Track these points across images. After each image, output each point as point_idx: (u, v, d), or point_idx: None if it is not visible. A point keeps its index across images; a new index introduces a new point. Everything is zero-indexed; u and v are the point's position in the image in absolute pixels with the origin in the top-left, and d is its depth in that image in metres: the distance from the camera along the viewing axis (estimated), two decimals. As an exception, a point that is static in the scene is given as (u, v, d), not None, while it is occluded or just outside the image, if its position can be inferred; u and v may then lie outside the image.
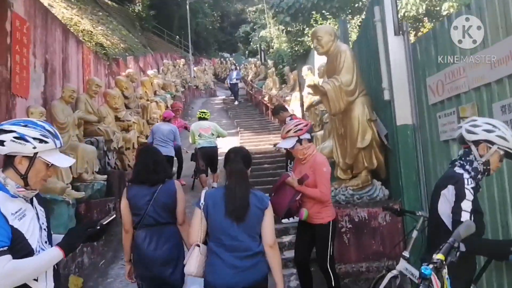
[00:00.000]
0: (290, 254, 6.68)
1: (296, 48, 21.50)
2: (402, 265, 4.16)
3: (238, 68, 28.05)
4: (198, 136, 9.55)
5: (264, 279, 3.16)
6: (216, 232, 3.11)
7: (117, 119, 10.49)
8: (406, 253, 4.16)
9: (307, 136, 4.59)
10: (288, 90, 17.48)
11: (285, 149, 7.66)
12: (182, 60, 27.13)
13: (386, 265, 5.02)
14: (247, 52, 40.44)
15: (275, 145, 8.24)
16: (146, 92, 14.23)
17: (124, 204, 3.84)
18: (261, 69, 24.10)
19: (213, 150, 9.58)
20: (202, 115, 10.03)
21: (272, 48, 25.54)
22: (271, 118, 18.37)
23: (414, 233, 4.16)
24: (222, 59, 40.26)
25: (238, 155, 3.35)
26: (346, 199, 5.40)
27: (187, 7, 30.34)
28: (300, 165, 4.58)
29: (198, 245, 3.14)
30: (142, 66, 17.14)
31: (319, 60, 14.38)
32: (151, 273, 3.72)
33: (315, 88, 5.34)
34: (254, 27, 36.83)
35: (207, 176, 9.72)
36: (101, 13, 21.09)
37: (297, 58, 21.38)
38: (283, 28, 23.30)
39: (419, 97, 5.00)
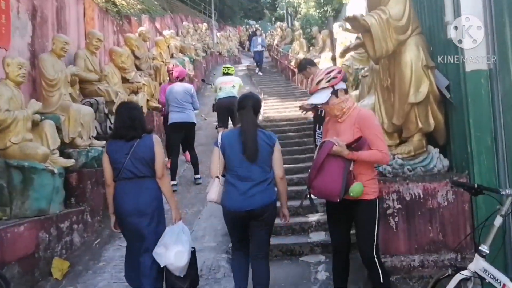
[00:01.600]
0: (317, 237, 5.51)
1: (326, 8, 19.99)
2: (479, 264, 2.95)
3: (262, 33, 26.06)
4: (219, 89, 9.45)
5: (271, 203, 3.71)
6: (232, 166, 3.67)
7: (125, 80, 9.41)
8: (484, 248, 2.94)
9: (343, 85, 3.43)
10: (317, 52, 16.04)
11: (315, 108, 6.43)
12: (205, 24, 25.71)
13: (446, 258, 3.81)
14: (273, 18, 38.89)
15: (301, 107, 6.98)
16: (161, 53, 13.04)
17: (105, 158, 3.96)
18: (287, 33, 22.57)
19: (231, 100, 8.91)
20: (226, 70, 9.99)
21: (300, 14, 23.98)
22: (298, 83, 17.05)
23: (498, 220, 2.92)
24: (247, 27, 38.78)
25: (249, 103, 3.83)
26: (393, 171, 4.14)
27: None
28: (335, 125, 3.44)
29: (218, 177, 3.73)
30: (159, 27, 15.88)
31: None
32: (128, 223, 3.87)
33: (355, 22, 4.02)
34: None
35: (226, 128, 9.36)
36: (117, -27, 19.85)
37: (326, 19, 19.86)
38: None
39: (501, 30, 3.65)
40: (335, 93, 3.31)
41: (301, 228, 5.72)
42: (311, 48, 17.62)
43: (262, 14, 45.66)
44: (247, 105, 3.79)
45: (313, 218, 5.90)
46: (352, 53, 8.84)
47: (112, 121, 7.86)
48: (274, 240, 5.42)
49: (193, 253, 3.94)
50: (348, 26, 4.10)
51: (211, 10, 29.78)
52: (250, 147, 3.62)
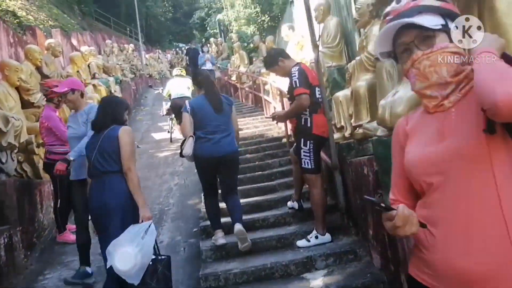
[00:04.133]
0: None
1: (264, 18, 18.41)
2: None
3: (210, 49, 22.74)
4: (172, 90, 9.92)
5: (236, 151, 4.71)
6: (204, 123, 4.56)
7: (30, 104, 7.16)
8: None
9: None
10: (261, 63, 14.25)
11: (296, 116, 4.51)
12: (131, 45, 23.44)
13: None
14: (203, 39, 37.32)
15: (274, 117, 5.09)
16: (78, 72, 10.71)
17: None
18: (223, 47, 20.70)
19: (185, 101, 9.81)
20: (179, 72, 10.70)
21: (231, 32, 22.26)
22: (242, 99, 15.18)
23: None
24: (178, 49, 36.99)
25: (205, 73, 5.33)
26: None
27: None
28: (431, 123, 1.51)
29: (192, 136, 4.54)
30: (76, 44, 13.52)
31: (299, 18, 11.28)
32: (97, 223, 3.70)
33: None
34: (210, 12, 34.27)
35: None
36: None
37: (263, 30, 18.29)
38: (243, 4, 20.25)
39: None
40: (448, 30, 1.46)
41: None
42: (254, 59, 15.87)
43: (192, 36, 44.14)
44: (205, 74, 5.10)
45: (315, 281, 3.88)
46: (321, 48, 7.11)
47: (5, 159, 5.55)
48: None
49: (166, 263, 3.56)
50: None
51: (137, 32, 27.51)
52: (215, 100, 4.64)
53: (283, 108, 8.70)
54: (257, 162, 7.70)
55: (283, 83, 9.44)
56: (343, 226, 4.70)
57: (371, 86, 4.54)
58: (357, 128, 4.47)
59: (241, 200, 5.98)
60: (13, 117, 5.80)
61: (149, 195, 7.17)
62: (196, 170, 4.81)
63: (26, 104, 7.15)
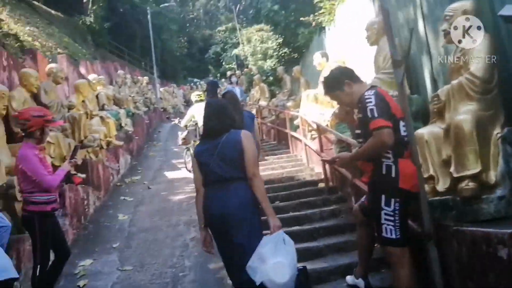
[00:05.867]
0: None
1: (286, 50, 17.31)
2: None
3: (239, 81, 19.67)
4: (195, 116, 9.06)
5: None
6: None
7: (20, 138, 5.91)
8: None
9: None
10: (285, 96, 13.02)
11: (372, 157, 3.18)
12: (146, 78, 22.45)
13: None
14: (219, 74, 36.79)
15: (334, 161, 3.71)
16: (83, 102, 9.50)
17: (193, 161, 3.65)
18: (241, 80, 19.55)
19: None
20: (198, 97, 9.74)
21: (247, 67, 21.23)
22: (263, 135, 13.86)
23: None
24: (192, 84, 36.41)
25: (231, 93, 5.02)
26: None
27: (149, 22, 25.64)
28: None
29: None
30: (84, 73, 12.40)
31: (334, 46, 10.09)
32: (217, 233, 3.40)
33: None
34: (225, 47, 34.04)
35: None
36: (39, 20, 16.38)
37: (284, 63, 17.16)
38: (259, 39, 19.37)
39: None
40: None
41: None
42: (276, 92, 14.64)
43: (207, 71, 43.77)
44: (231, 92, 5.07)
45: None
46: (376, 75, 5.82)
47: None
48: None
49: (303, 272, 3.32)
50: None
51: (152, 66, 26.71)
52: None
53: (321, 147, 7.38)
54: (291, 213, 6.25)
55: (319, 117, 8.19)
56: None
57: (480, 120, 3.20)
58: (467, 181, 3.08)
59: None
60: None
61: (160, 252, 5.75)
62: None
63: (15, 138, 5.95)
